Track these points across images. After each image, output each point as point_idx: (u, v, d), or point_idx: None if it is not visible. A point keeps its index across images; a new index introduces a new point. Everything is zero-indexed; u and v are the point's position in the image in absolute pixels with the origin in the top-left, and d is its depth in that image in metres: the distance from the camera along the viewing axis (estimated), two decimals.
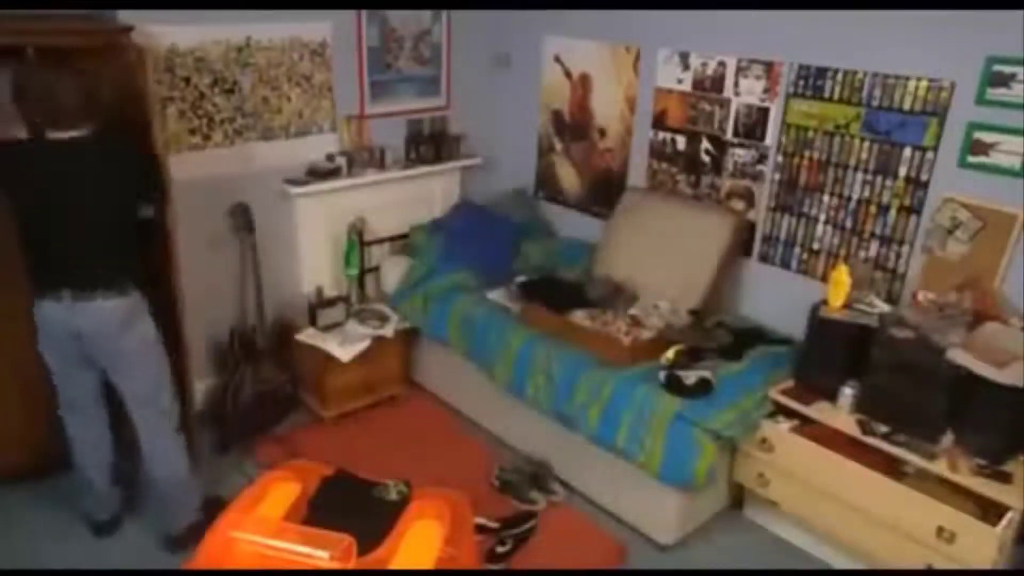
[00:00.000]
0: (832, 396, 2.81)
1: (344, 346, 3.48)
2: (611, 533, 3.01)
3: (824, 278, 3.15)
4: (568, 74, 4.04)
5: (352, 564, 1.79)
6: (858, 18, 2.91)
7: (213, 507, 2.49)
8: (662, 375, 2.90)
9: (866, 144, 3.00)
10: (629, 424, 2.84)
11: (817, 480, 2.73)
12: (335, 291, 3.80)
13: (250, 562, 1.82)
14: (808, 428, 2.80)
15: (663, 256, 3.42)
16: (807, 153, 3.18)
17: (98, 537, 2.86)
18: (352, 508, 2.09)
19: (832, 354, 2.83)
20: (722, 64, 3.37)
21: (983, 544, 2.36)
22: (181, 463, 2.76)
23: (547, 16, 4.02)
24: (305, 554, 1.77)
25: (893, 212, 2.98)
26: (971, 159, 2.73)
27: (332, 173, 3.69)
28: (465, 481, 3.14)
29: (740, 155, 3.41)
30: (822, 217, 3.20)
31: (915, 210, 2.92)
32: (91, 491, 2.83)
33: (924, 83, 2.80)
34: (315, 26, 3.57)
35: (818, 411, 2.80)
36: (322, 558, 1.76)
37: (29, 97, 2.40)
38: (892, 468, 2.61)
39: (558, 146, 4.20)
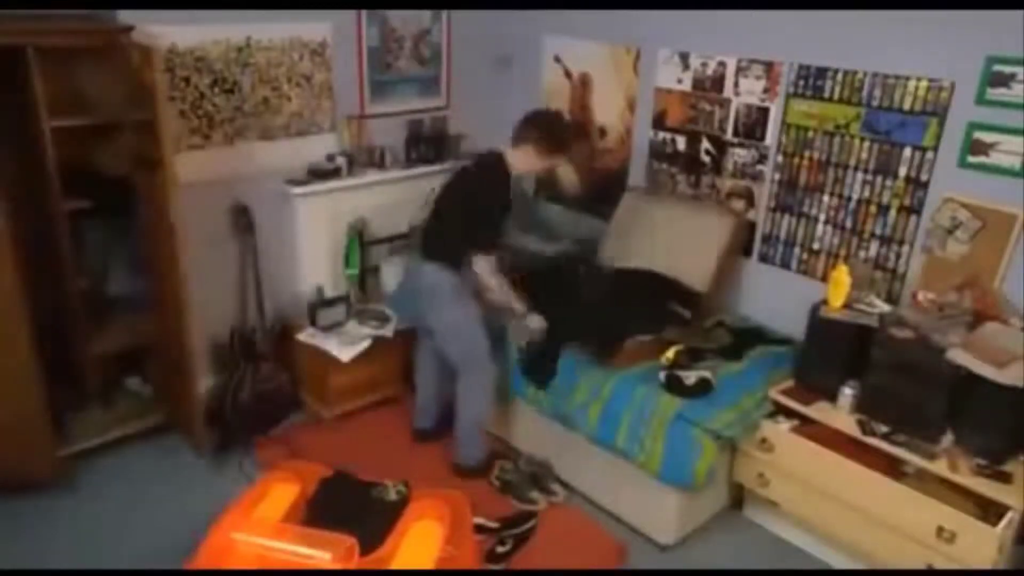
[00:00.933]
0: (832, 396, 2.81)
1: (344, 346, 3.48)
2: (611, 533, 3.01)
3: (824, 278, 3.15)
4: (568, 74, 4.04)
5: (354, 565, 1.79)
6: (858, 18, 2.91)
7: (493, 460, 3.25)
8: (662, 375, 2.90)
9: (866, 144, 3.00)
10: (629, 424, 2.84)
11: (817, 480, 2.73)
12: (335, 291, 3.80)
13: (251, 564, 1.82)
14: (808, 428, 2.80)
15: (663, 257, 3.41)
16: (807, 153, 3.18)
17: (416, 442, 3.46)
18: (351, 509, 2.09)
19: (832, 354, 2.83)
20: (722, 64, 3.37)
21: (983, 544, 2.36)
22: (478, 410, 3.18)
23: (547, 16, 4.02)
24: (307, 556, 1.77)
25: (893, 212, 2.98)
26: (971, 159, 2.73)
27: (332, 173, 3.69)
28: (465, 481, 3.15)
29: (740, 155, 3.41)
30: (822, 217, 3.20)
31: (915, 210, 2.92)
32: (416, 404, 3.48)
33: (924, 83, 2.80)
34: (315, 26, 3.57)
35: (818, 411, 2.80)
36: (324, 560, 1.76)
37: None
38: (892, 468, 2.61)
39: None
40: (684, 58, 3.50)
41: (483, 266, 2.93)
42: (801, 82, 3.13)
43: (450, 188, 3.15)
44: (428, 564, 1.86)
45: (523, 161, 3.00)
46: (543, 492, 3.14)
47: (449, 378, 3.25)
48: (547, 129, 3.00)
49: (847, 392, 2.76)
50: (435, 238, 3.09)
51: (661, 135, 3.70)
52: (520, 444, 3.43)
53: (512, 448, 3.44)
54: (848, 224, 3.12)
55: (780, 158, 3.27)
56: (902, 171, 2.92)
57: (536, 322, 3.06)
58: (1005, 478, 2.44)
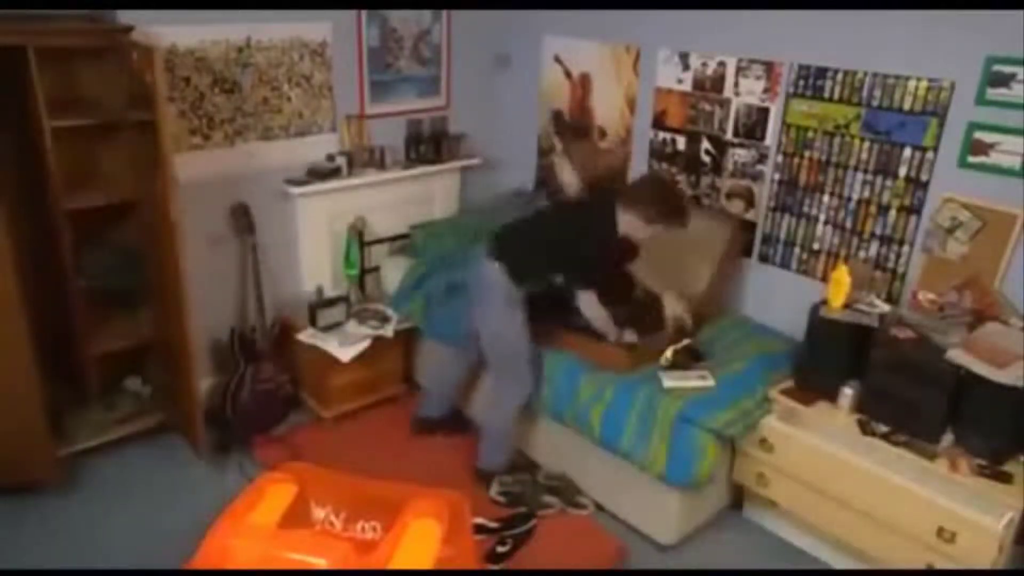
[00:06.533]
0: (832, 396, 2.80)
1: (344, 346, 3.48)
2: (611, 533, 3.01)
3: (824, 278, 3.15)
4: (568, 74, 4.04)
5: (353, 565, 1.79)
6: (858, 18, 2.91)
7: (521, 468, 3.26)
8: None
9: (866, 144, 3.00)
10: (635, 426, 2.83)
11: (817, 480, 2.73)
12: (335, 291, 3.80)
13: (248, 566, 1.82)
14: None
15: (662, 258, 3.41)
16: (807, 153, 3.18)
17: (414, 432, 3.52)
18: None
19: (832, 354, 2.82)
20: (722, 64, 3.37)
21: (983, 544, 2.36)
22: (506, 419, 3.17)
23: (547, 16, 4.02)
24: (302, 561, 1.77)
25: (893, 212, 2.98)
26: (971, 159, 2.73)
27: (332, 173, 3.69)
28: (466, 482, 3.15)
29: (740, 155, 3.41)
30: (822, 217, 3.19)
31: (915, 210, 2.92)
32: (427, 391, 3.61)
33: (924, 83, 2.80)
34: (315, 26, 3.57)
35: (818, 411, 2.80)
36: (320, 564, 1.76)
37: None
38: (892, 468, 2.60)
39: (558, 146, 4.20)
40: (684, 58, 3.50)
41: (587, 301, 2.98)
42: (801, 82, 3.13)
43: (561, 215, 3.21)
44: (427, 564, 1.85)
45: (629, 225, 2.90)
46: (572, 506, 3.11)
47: (467, 371, 3.37)
48: (661, 199, 2.90)
49: (847, 392, 2.76)
50: (515, 246, 3.03)
51: (661, 135, 3.70)
52: (520, 443, 3.41)
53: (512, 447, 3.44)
54: (848, 224, 3.12)
55: (780, 158, 3.27)
56: (902, 171, 2.92)
57: (630, 336, 3.09)
58: (1005, 478, 2.44)
